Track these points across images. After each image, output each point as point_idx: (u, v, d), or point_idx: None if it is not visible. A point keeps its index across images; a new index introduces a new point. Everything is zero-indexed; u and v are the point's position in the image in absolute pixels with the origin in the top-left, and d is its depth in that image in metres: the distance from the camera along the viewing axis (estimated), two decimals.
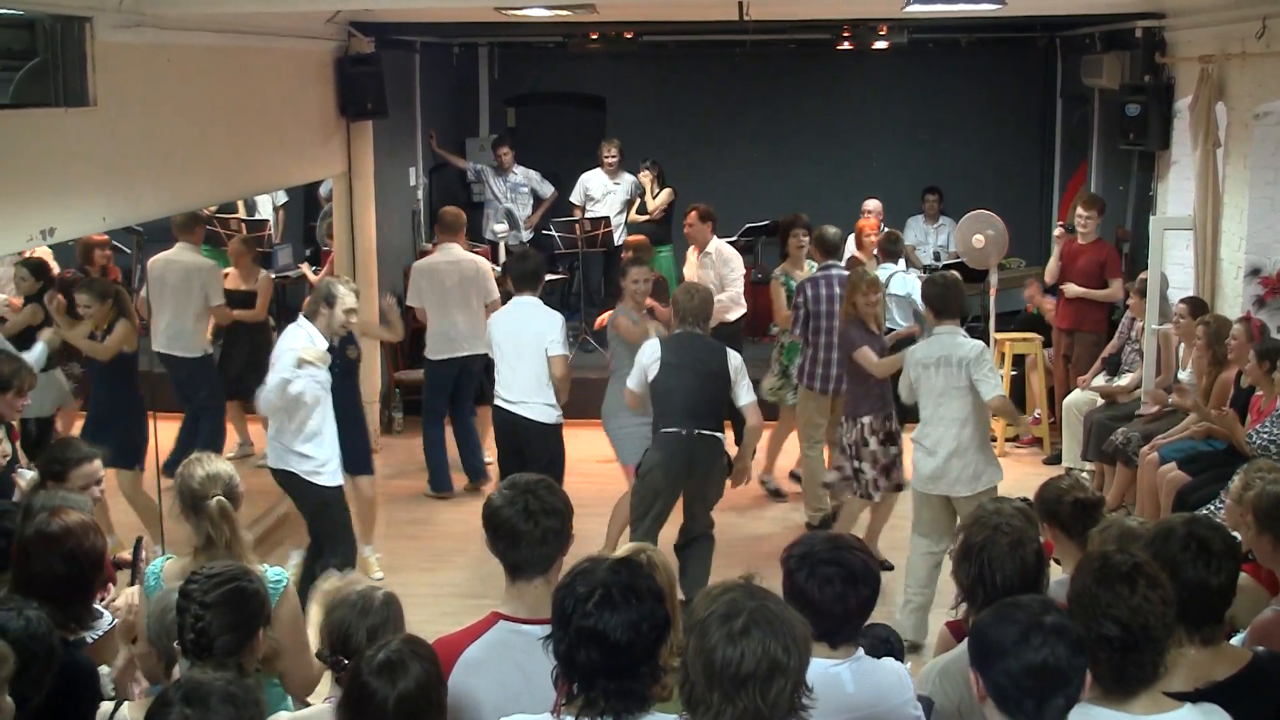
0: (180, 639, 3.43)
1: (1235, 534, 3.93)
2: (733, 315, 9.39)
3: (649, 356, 6.99)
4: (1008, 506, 3.81)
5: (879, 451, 7.66)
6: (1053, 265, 9.92)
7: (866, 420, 7.64)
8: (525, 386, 7.54)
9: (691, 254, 9.66)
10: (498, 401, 7.71)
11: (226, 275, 9.43)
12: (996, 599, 3.14)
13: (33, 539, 3.83)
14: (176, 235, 8.99)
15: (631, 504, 7.07)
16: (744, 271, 9.77)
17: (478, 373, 9.31)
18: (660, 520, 6.99)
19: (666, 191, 11.93)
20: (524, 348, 7.53)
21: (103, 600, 4.25)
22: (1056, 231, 9.96)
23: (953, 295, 6.91)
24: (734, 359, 6.97)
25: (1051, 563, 4.26)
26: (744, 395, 6.95)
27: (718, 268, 9.42)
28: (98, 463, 5.04)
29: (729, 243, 10.95)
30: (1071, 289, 9.67)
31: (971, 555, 3.62)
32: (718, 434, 6.98)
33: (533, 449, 7.55)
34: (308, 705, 4.02)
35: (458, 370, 9.31)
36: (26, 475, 5.68)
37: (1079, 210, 9.81)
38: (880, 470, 7.68)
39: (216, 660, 3.34)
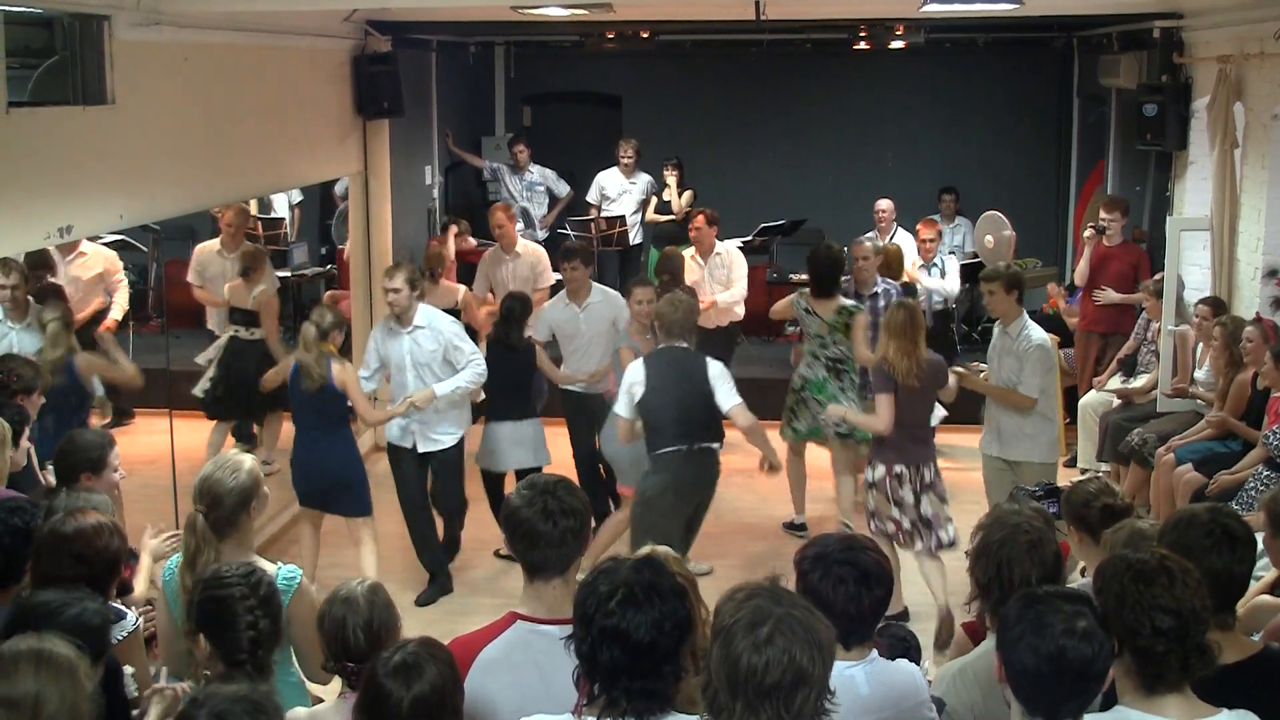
0: (237, 642, 3.46)
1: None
2: (740, 311, 9.82)
3: (631, 379, 6.80)
4: (1027, 508, 3.80)
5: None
6: (1083, 267, 9.75)
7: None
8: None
9: (692, 257, 9.67)
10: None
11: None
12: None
13: (46, 539, 3.85)
14: None
15: (633, 530, 6.85)
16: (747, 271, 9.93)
17: None
18: (675, 543, 6.51)
19: (690, 192, 11.92)
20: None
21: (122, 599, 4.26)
22: (1087, 233, 9.84)
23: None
24: (714, 367, 6.81)
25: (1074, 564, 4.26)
26: (726, 399, 6.75)
27: (729, 269, 9.71)
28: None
29: (744, 242, 10.96)
30: (1108, 295, 9.55)
31: (990, 553, 3.59)
32: (714, 445, 6.92)
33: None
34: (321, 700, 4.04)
35: None
36: None
37: (1101, 213, 9.73)
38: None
39: (260, 660, 3.43)
